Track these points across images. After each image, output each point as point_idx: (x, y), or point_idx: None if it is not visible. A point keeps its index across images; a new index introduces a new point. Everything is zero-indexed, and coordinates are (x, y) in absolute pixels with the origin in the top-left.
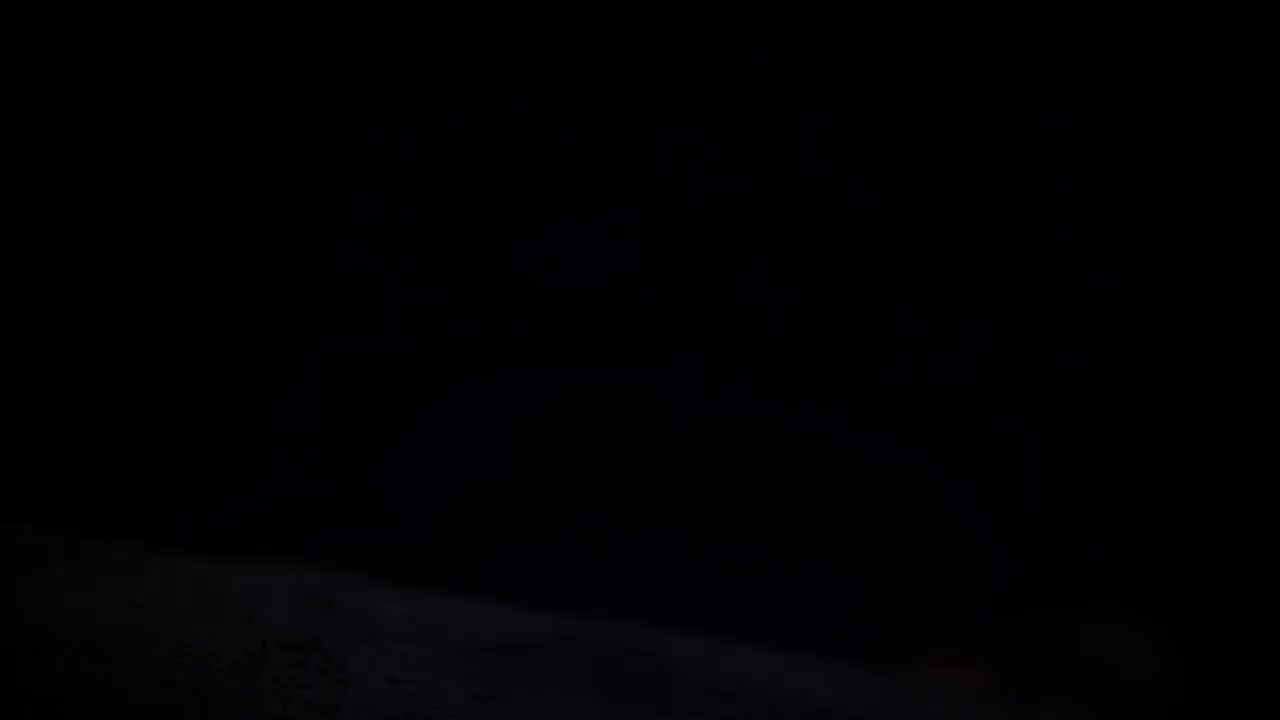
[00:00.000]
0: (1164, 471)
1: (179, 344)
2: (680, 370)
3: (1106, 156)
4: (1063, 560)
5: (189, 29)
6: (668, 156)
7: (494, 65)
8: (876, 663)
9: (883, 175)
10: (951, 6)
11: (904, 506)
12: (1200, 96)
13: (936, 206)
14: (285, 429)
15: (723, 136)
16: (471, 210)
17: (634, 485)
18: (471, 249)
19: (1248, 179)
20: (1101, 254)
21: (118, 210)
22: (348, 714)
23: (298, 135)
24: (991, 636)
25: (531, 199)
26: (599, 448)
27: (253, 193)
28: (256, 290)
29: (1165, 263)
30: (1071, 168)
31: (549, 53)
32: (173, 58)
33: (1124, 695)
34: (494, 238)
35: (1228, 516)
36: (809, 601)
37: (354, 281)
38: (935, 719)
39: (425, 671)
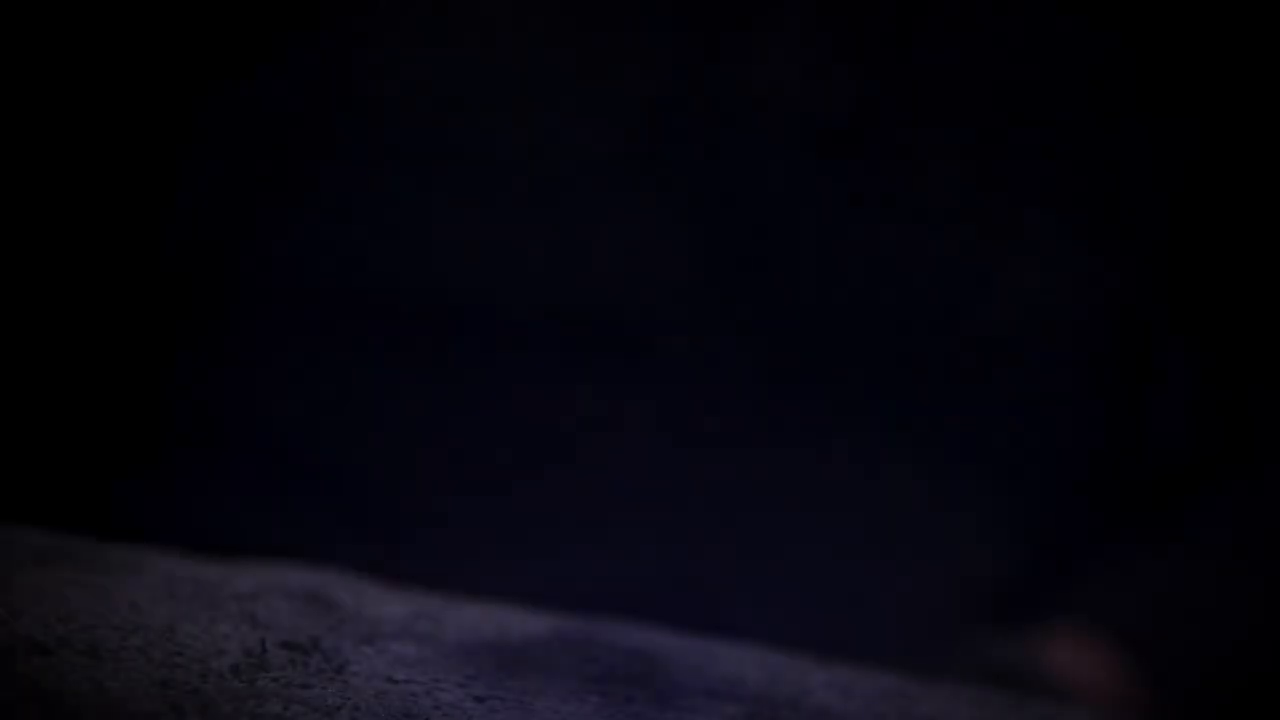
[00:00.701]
0: (1163, 468)
1: (179, 345)
2: (680, 370)
3: (1104, 156)
4: (1062, 558)
5: (185, 27)
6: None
7: (496, 63)
8: (877, 663)
9: (878, 173)
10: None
11: (903, 506)
12: (1201, 95)
13: (931, 202)
14: (285, 430)
15: (724, 140)
16: (468, 215)
17: (634, 485)
18: (469, 252)
19: (1245, 176)
20: (1096, 249)
21: (124, 215)
22: (347, 714)
23: (296, 137)
24: (991, 635)
25: (528, 205)
26: (599, 448)
27: (251, 199)
28: (257, 294)
29: (1161, 257)
30: (1070, 166)
31: (549, 49)
32: (174, 55)
33: (1122, 695)
34: (492, 241)
35: (1226, 513)
36: (808, 601)
37: (353, 284)
38: (935, 719)
39: (425, 671)
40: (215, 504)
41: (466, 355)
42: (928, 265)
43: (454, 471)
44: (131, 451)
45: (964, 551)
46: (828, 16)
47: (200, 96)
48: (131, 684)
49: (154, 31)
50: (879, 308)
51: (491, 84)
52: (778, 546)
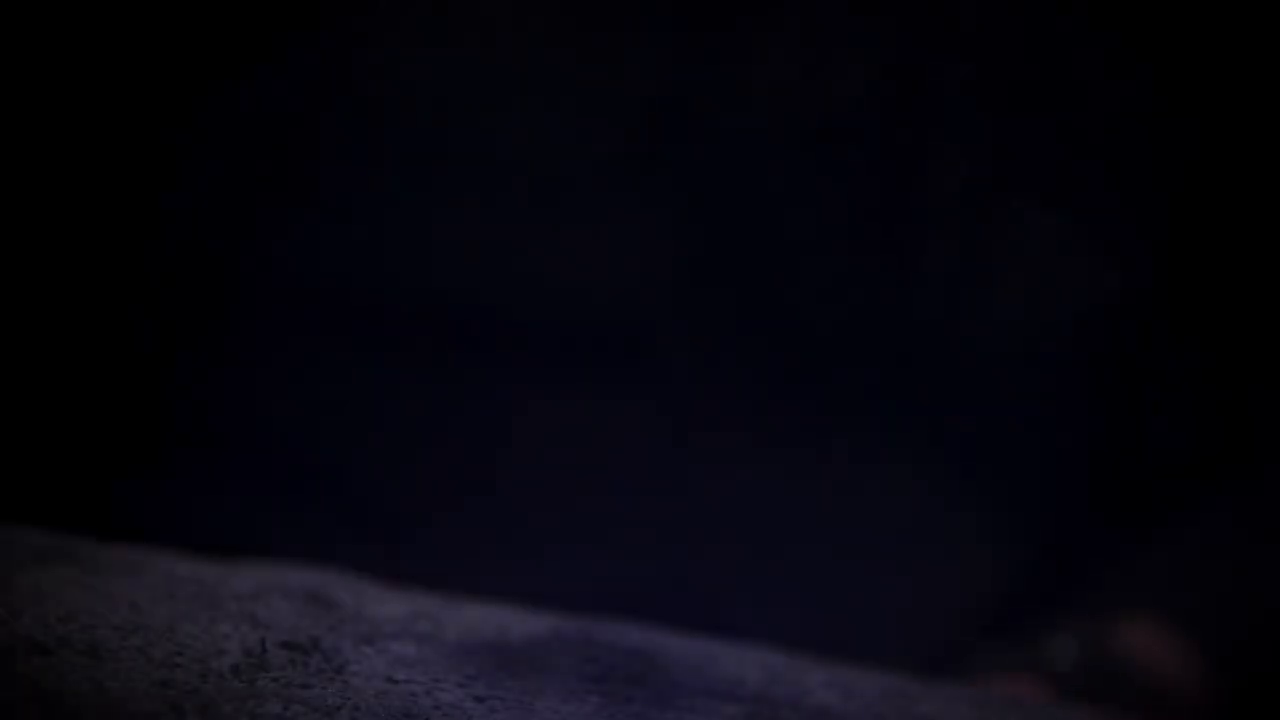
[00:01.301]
0: (1163, 468)
1: (179, 345)
2: (680, 370)
3: (1104, 156)
4: (1063, 559)
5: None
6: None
7: (496, 63)
8: (878, 663)
9: (879, 174)
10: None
11: (903, 507)
12: (1201, 95)
13: (931, 202)
14: (285, 430)
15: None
16: (468, 215)
17: (634, 485)
18: (469, 253)
19: (1245, 176)
20: (1096, 250)
21: (124, 214)
22: (347, 714)
23: (296, 137)
24: (993, 636)
25: (527, 205)
26: (599, 447)
27: (251, 199)
28: (257, 294)
29: (1161, 258)
30: (1070, 166)
31: (549, 49)
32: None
33: (1125, 693)
34: (492, 241)
35: (1226, 513)
36: (808, 602)
37: (354, 284)
38: (935, 719)
39: (425, 671)
40: (215, 504)
41: (466, 355)
42: (928, 265)
43: (454, 471)
44: (131, 451)
45: (964, 552)
46: (828, 17)
47: (200, 96)
48: (131, 684)
49: (154, 31)
50: (879, 308)
51: (491, 84)
52: (778, 547)
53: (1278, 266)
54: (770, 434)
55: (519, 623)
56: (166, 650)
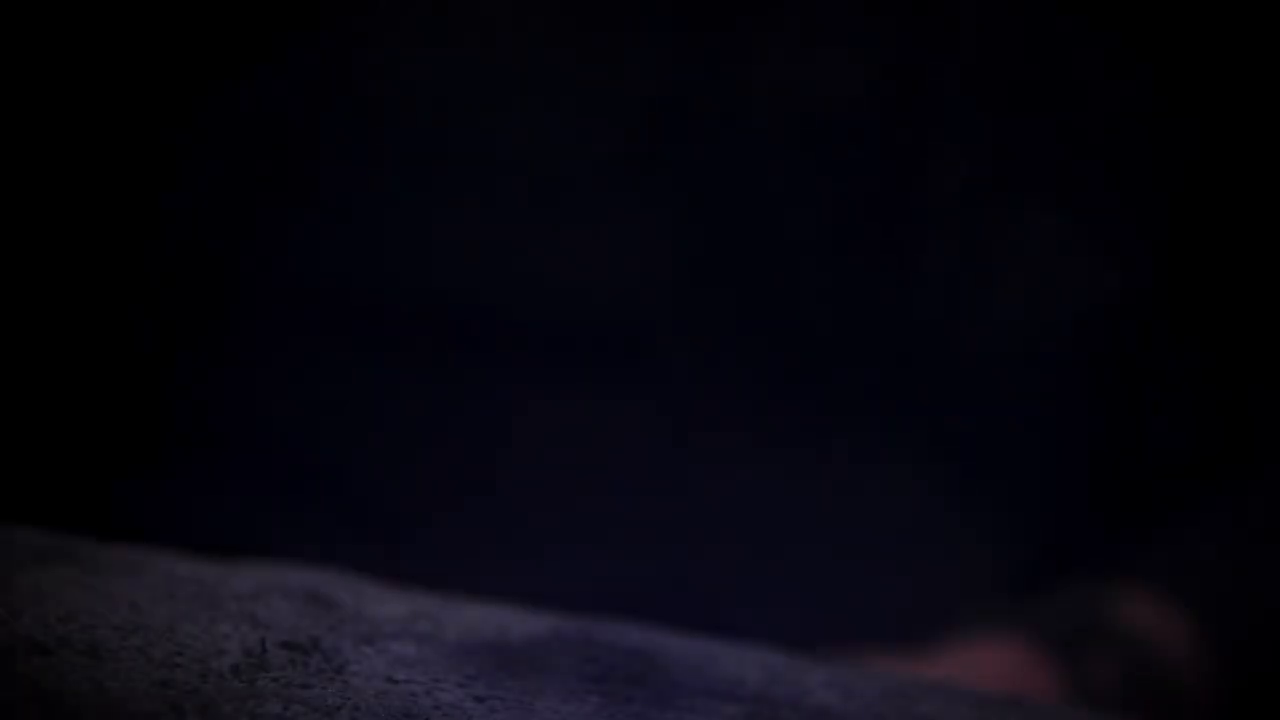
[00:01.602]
0: (1163, 468)
1: (179, 345)
2: (680, 370)
3: (1104, 156)
4: (1062, 559)
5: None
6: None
7: (496, 63)
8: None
9: (879, 174)
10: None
11: (903, 506)
12: (1201, 95)
13: (931, 202)
14: (285, 430)
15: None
16: (468, 215)
17: (634, 485)
18: (469, 253)
19: (1245, 176)
20: (1096, 249)
21: (124, 215)
22: (347, 714)
23: (296, 136)
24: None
25: (527, 205)
26: (599, 447)
27: (251, 199)
28: (257, 294)
29: (1161, 258)
30: (1070, 166)
31: (549, 49)
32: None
33: (1123, 662)
34: (492, 241)
35: (1226, 513)
36: (808, 601)
37: (354, 284)
38: (935, 719)
39: (425, 671)
40: (215, 504)
41: (466, 355)
42: (928, 265)
43: (454, 471)
44: (131, 451)
45: (964, 552)
46: (828, 17)
47: (200, 96)
48: (131, 684)
49: (154, 31)
50: (879, 308)
51: (491, 84)
52: (778, 547)
53: (1278, 266)
54: (770, 434)
55: (519, 623)
56: (166, 650)
